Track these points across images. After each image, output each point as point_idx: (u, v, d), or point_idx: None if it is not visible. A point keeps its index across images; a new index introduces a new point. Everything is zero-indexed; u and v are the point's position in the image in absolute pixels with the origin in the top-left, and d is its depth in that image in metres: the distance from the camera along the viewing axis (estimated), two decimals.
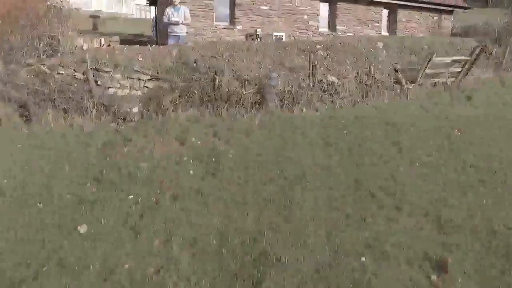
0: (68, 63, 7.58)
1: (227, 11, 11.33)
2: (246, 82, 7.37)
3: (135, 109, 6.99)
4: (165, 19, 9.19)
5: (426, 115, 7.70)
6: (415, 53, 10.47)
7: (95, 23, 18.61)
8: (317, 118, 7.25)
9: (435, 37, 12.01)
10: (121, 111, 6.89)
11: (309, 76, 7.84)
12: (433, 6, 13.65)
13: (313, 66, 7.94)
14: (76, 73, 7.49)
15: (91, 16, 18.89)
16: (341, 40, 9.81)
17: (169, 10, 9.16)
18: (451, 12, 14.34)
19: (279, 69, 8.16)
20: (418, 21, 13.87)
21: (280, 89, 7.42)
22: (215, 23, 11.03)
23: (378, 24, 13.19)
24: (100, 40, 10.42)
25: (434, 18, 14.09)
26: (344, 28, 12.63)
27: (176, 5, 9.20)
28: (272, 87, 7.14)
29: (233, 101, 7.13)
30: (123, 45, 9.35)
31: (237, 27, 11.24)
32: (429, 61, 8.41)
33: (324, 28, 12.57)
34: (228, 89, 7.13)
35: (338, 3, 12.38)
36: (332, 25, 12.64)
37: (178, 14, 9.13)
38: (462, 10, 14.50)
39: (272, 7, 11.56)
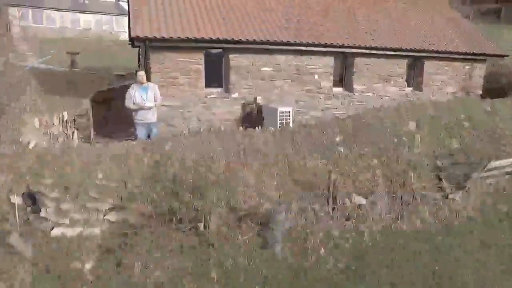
0: (2, 179, 5.89)
1: (220, 75, 9.49)
2: (243, 218, 5.57)
3: (88, 265, 5.20)
4: (129, 104, 7.20)
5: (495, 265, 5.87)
6: (451, 129, 8.68)
7: (73, 60, 16.83)
8: (337, 266, 5.48)
9: (471, 102, 10.15)
10: (68, 270, 5.09)
11: (328, 200, 6.04)
12: (465, 57, 11.81)
13: (334, 181, 6.15)
14: (12, 197, 5.77)
15: (68, 53, 17.10)
16: (364, 121, 8.03)
17: (134, 91, 7.18)
18: (484, 60, 12.54)
19: (287, 183, 6.40)
20: (447, 72, 12.07)
21: (290, 226, 5.61)
22: (205, 91, 9.19)
23: (401, 80, 11.39)
24: (62, 116, 8.60)
25: (466, 67, 12.27)
26: (363, 87, 10.83)
27: (143, 83, 7.27)
28: (278, 229, 5.34)
29: (227, 247, 5.34)
30: (86, 142, 7.54)
31: (233, 95, 9.41)
32: (484, 167, 6.65)
33: (338, 88, 10.76)
34: (217, 233, 5.33)
35: (356, 57, 10.57)
36: (348, 84, 10.84)
37: (148, 96, 7.20)
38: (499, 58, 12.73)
39: (275, 68, 9.72)
